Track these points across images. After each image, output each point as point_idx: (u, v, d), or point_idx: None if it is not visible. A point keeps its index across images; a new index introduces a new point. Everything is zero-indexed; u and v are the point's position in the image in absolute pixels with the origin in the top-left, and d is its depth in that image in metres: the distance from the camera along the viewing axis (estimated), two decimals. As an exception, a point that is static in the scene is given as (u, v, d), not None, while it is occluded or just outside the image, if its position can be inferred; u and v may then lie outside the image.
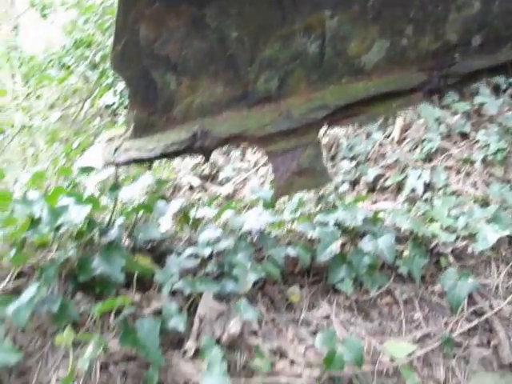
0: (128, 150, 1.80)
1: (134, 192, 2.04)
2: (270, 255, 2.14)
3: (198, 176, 3.79)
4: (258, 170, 3.74)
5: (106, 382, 1.82)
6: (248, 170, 3.73)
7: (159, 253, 2.22)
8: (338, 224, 2.33)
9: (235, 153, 4.02)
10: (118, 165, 1.82)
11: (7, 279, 2.09)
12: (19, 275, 2.16)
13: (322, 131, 1.86)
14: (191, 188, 3.69)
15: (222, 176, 3.74)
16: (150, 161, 1.83)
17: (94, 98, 5.60)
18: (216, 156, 3.96)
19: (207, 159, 1.83)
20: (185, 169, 3.86)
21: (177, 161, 4.00)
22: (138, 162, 1.85)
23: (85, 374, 1.80)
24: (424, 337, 2.17)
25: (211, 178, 3.83)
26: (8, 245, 2.11)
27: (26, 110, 6.04)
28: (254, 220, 2.21)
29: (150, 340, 1.76)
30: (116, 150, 1.81)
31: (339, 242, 2.26)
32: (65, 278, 2.10)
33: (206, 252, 2.11)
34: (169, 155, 1.80)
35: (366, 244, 2.26)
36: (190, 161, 3.93)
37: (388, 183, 3.28)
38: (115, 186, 2.04)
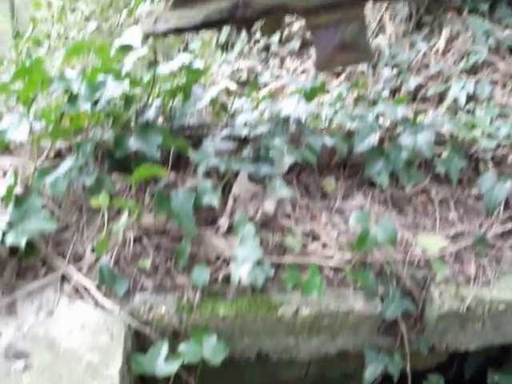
0: (168, 20, 1.76)
1: (171, 69, 2.01)
2: (308, 143, 2.11)
3: (236, 81, 3.73)
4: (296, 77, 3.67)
5: (140, 253, 1.85)
6: (286, 77, 3.66)
7: (195, 138, 2.21)
8: (377, 118, 2.28)
9: (274, 60, 3.95)
10: (157, 35, 1.79)
11: (45, 155, 2.10)
12: (56, 155, 2.18)
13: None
14: (228, 93, 3.64)
15: (259, 82, 3.68)
16: (190, 30, 1.79)
17: (130, 9, 5.50)
18: (254, 62, 3.90)
19: (248, 30, 1.79)
20: (222, 75, 3.81)
21: (214, 68, 3.95)
22: (178, 31, 1.81)
23: (119, 244, 1.83)
24: (457, 235, 2.14)
25: (249, 83, 3.77)
26: (45, 125, 2.11)
27: (62, 22, 5.97)
28: (292, 108, 2.18)
29: (184, 210, 1.78)
30: (156, 20, 1.78)
31: (378, 135, 2.22)
32: (101, 157, 2.11)
33: (243, 132, 2.10)
34: (209, 24, 1.76)
35: (405, 139, 2.22)
36: (227, 67, 3.88)
37: (429, 93, 3.19)
38: (153, 63, 2.02)
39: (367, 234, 1.76)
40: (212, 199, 1.85)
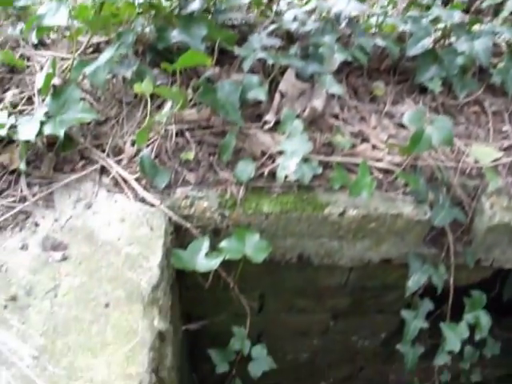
0: None
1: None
2: (359, 43, 1.99)
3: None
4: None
5: (182, 146, 1.78)
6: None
7: (240, 35, 2.09)
8: (432, 21, 2.14)
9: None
10: None
11: (83, 48, 2.03)
12: (95, 50, 2.10)
13: None
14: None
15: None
16: None
17: None
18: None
19: None
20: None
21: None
22: None
23: (160, 136, 1.77)
24: (511, 147, 2.03)
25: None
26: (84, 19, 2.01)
27: None
28: (344, 6, 2.04)
29: (230, 101, 1.70)
30: None
31: (432, 38, 2.08)
32: (142, 52, 2.03)
33: (292, 27, 1.98)
34: None
35: (461, 45, 2.08)
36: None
37: (484, 5, 3.01)
38: None
39: (422, 134, 1.66)
40: (258, 93, 1.76)
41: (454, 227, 1.89)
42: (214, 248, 1.66)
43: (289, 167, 1.61)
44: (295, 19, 2.00)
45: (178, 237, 1.71)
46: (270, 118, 1.77)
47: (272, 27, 2.01)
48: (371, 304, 2.20)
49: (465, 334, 2.00)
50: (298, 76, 1.89)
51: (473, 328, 2.04)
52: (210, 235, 1.69)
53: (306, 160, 1.66)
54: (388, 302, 2.18)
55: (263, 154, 1.72)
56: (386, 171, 1.78)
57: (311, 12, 2.15)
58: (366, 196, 1.62)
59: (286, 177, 1.65)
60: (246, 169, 1.66)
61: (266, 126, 1.77)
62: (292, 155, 1.62)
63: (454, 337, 1.99)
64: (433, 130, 1.66)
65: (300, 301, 2.15)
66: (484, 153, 1.91)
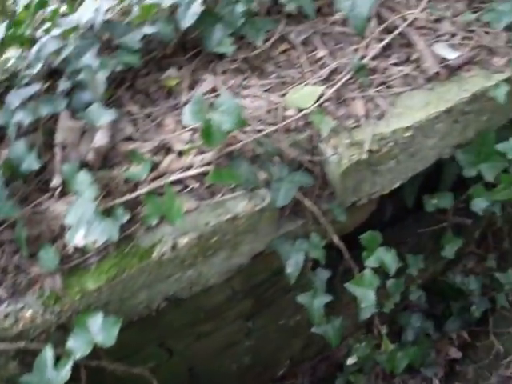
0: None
1: None
2: (122, 43, 1.73)
3: None
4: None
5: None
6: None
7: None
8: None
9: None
10: None
11: None
12: None
13: None
14: None
15: None
16: None
17: None
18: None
19: None
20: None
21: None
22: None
23: None
24: (332, 73, 1.83)
25: None
26: None
27: None
28: (91, 11, 1.76)
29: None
30: None
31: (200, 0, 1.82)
32: None
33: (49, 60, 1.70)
34: None
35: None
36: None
37: None
38: None
39: (210, 126, 1.43)
40: (30, 163, 1.50)
41: (309, 190, 1.70)
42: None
43: (78, 243, 1.37)
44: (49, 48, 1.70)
45: (24, 361, 1.47)
46: (55, 181, 1.51)
47: (28, 72, 1.72)
48: (274, 291, 2.01)
49: (375, 283, 1.83)
50: (75, 114, 1.64)
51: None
52: (55, 339, 1.45)
53: (106, 212, 1.43)
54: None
55: (63, 228, 1.47)
56: (202, 175, 1.55)
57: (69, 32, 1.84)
58: (180, 225, 1.40)
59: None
60: (48, 255, 1.42)
61: (56, 193, 1.52)
62: (78, 226, 1.38)
63: (365, 291, 1.82)
64: (221, 116, 1.44)
65: (202, 327, 1.95)
66: (303, 96, 1.73)
